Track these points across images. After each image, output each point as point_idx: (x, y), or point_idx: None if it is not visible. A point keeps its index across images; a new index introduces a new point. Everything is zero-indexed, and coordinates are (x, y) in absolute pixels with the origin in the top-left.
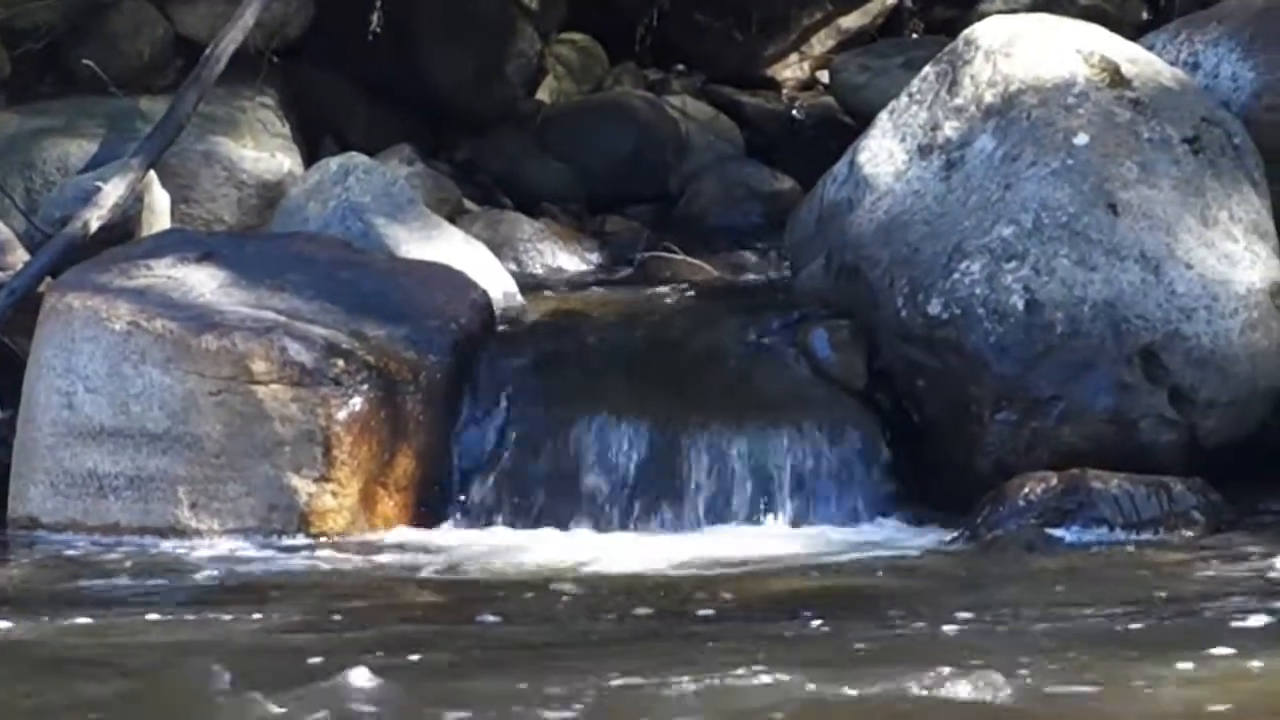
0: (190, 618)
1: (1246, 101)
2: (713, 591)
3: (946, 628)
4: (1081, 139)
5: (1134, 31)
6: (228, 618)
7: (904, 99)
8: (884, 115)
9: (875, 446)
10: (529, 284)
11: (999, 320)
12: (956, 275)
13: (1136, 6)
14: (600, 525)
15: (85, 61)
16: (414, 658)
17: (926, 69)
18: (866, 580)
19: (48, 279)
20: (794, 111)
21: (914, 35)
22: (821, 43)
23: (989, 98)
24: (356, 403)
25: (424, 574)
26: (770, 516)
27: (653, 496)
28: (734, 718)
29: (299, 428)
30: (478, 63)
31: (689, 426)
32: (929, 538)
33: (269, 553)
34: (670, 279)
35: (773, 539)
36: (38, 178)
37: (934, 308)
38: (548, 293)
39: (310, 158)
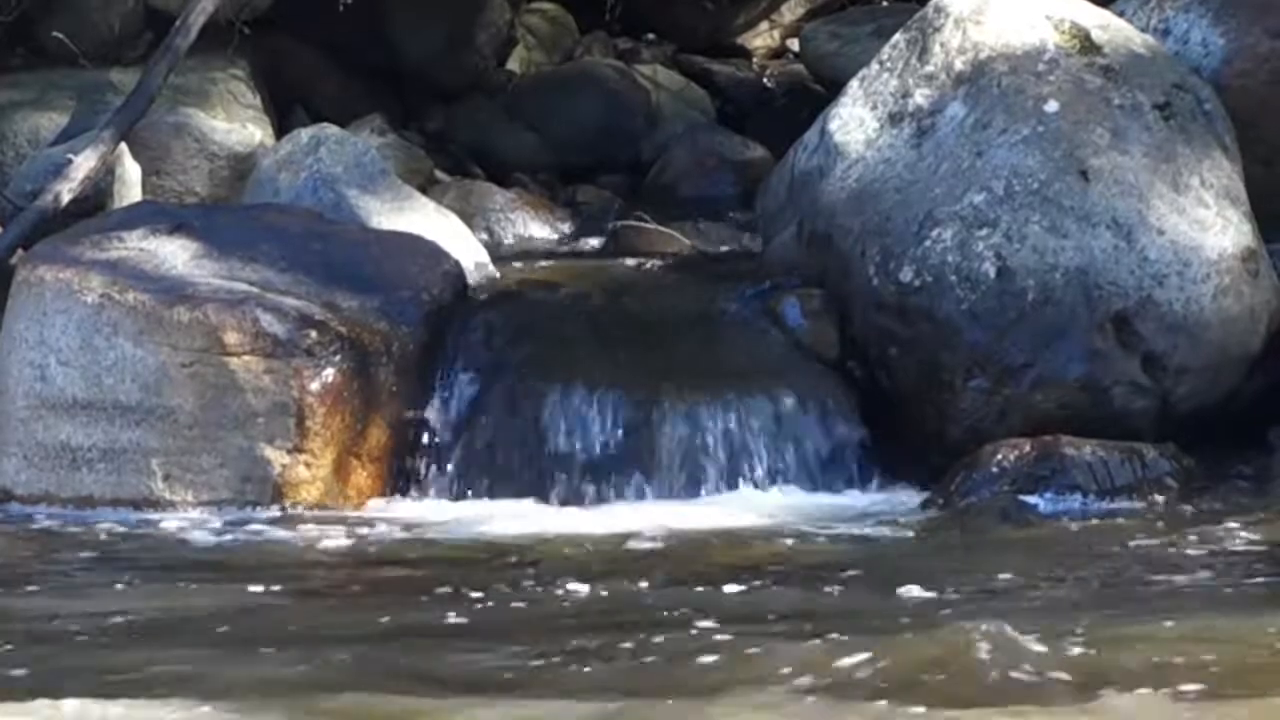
0: (163, 590)
1: (1217, 67)
2: (681, 561)
3: (917, 596)
4: (1052, 106)
5: None
6: (200, 589)
7: (875, 67)
8: (855, 83)
9: (848, 415)
10: (501, 254)
11: (971, 288)
12: (928, 243)
13: None
14: (573, 495)
15: (56, 34)
16: (387, 629)
17: (897, 36)
18: (838, 549)
19: (19, 251)
20: (765, 80)
21: (884, 3)
22: (792, 11)
23: (959, 65)
24: (329, 374)
25: (396, 545)
26: (743, 485)
27: (625, 466)
28: (697, 691)
29: (272, 399)
30: (448, 33)
31: (661, 396)
32: (902, 505)
33: (242, 524)
34: (642, 248)
35: (745, 508)
36: (9, 150)
37: (906, 275)
38: (520, 263)
39: (281, 129)
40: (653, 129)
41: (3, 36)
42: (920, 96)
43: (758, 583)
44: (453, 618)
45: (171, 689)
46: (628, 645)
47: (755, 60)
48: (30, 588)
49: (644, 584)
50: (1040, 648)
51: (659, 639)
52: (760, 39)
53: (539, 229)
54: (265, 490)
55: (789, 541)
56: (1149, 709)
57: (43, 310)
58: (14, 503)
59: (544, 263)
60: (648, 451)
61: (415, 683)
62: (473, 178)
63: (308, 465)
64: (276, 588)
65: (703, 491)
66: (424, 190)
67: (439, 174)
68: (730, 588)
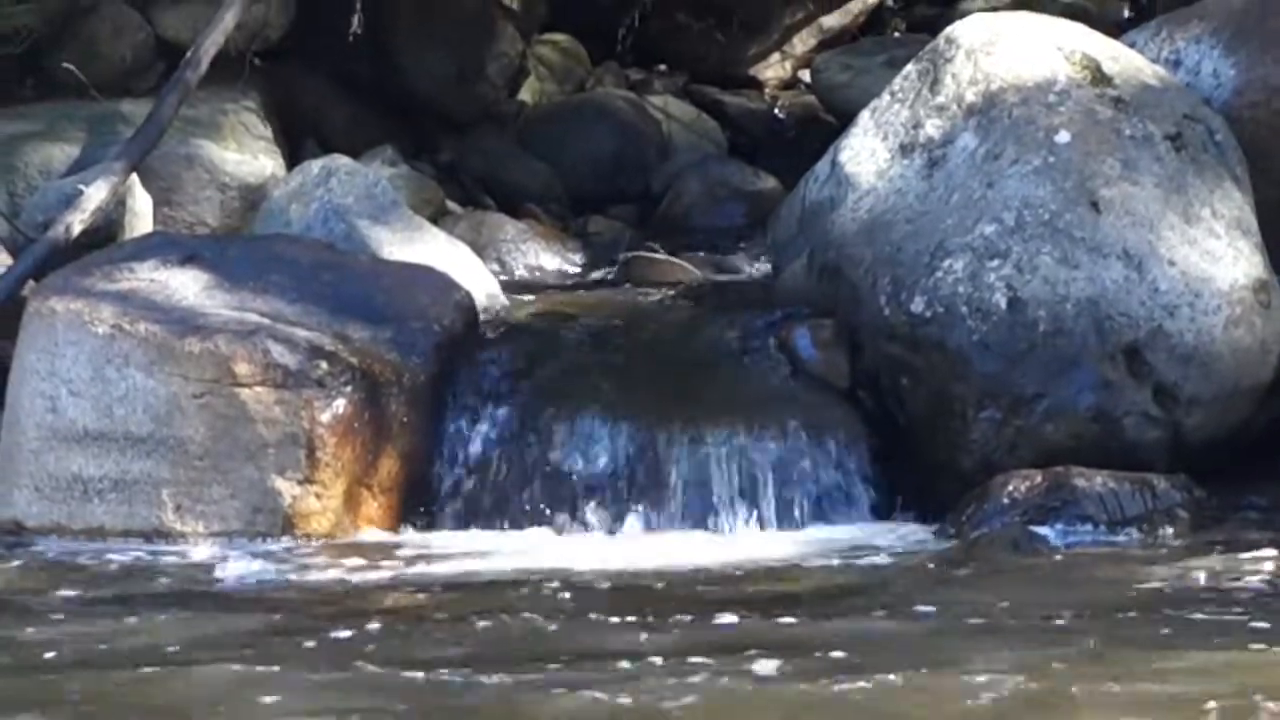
0: (173, 622)
1: (1228, 98)
2: (693, 592)
3: (929, 627)
4: (1063, 137)
5: (1115, 29)
6: (211, 620)
7: (886, 97)
8: (866, 114)
9: (859, 445)
10: (512, 285)
11: (982, 318)
12: (939, 274)
13: (1118, 4)
14: (583, 526)
15: (66, 65)
16: (398, 660)
17: (908, 67)
18: (849, 580)
19: (30, 283)
20: (776, 111)
21: (896, 34)
22: (803, 42)
23: (970, 96)
24: (340, 405)
25: (407, 576)
26: (753, 516)
27: (635, 497)
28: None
29: (282, 430)
30: (459, 63)
31: (672, 427)
32: (913, 537)
33: (253, 555)
34: (653, 279)
35: (756, 539)
36: (20, 182)
37: (917, 306)
38: (531, 293)
39: (292, 160)
40: (664, 160)
41: (13, 67)
42: (931, 127)
43: (766, 614)
44: (464, 649)
45: None
46: (639, 678)
47: (767, 91)
48: (42, 619)
49: (654, 616)
50: (1051, 679)
51: (669, 671)
52: (772, 70)
53: (550, 259)
54: (276, 521)
55: (799, 572)
56: None
57: (54, 341)
58: (25, 534)
59: (555, 293)
60: (658, 482)
61: (422, 716)
62: (484, 208)
63: (318, 496)
64: (286, 619)
65: (713, 523)
66: (435, 221)
67: (450, 204)
68: (739, 619)
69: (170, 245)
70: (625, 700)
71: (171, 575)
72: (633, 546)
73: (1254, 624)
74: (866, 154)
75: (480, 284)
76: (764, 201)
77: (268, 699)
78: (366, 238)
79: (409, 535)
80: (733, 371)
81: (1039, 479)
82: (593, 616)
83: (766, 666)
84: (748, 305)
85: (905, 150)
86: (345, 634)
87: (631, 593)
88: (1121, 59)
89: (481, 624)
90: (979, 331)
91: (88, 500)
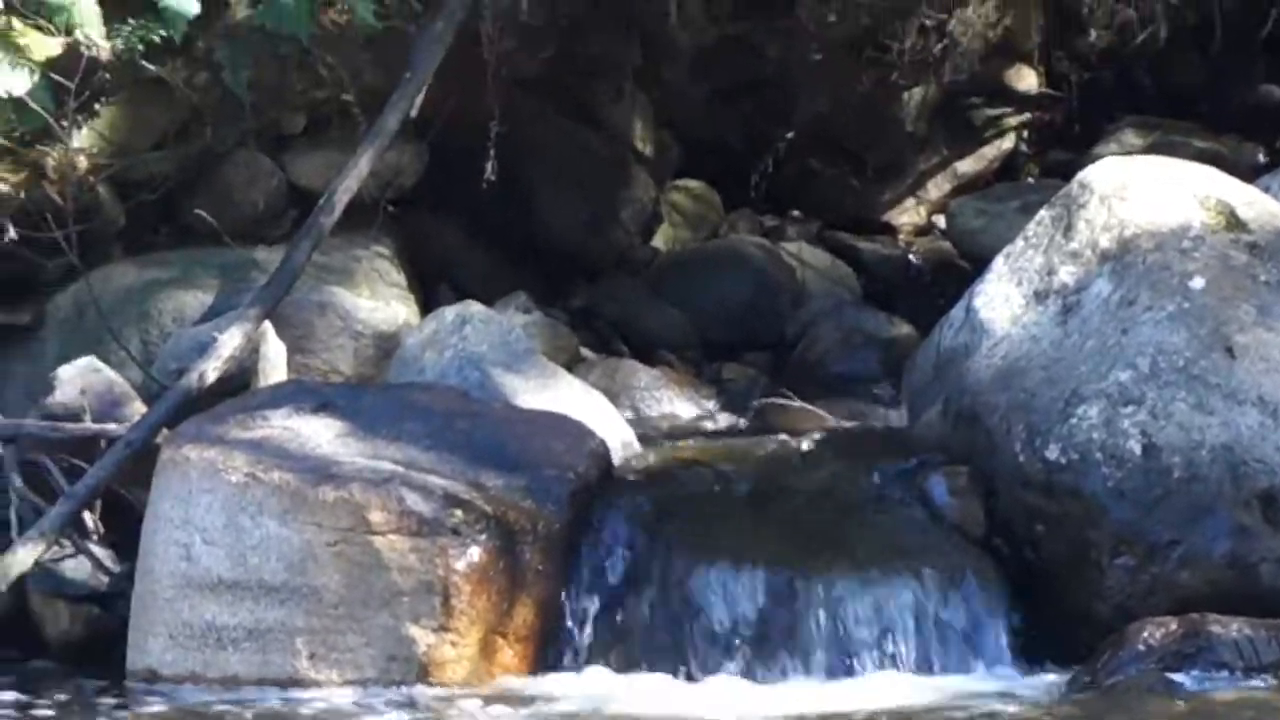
0: None
1: None
2: None
3: None
4: (1198, 282)
5: (1250, 173)
6: None
7: (1020, 243)
8: (1000, 260)
9: (995, 593)
10: (646, 432)
11: (1117, 465)
12: (1074, 420)
13: (1252, 149)
14: (720, 675)
15: (199, 212)
16: None
17: (1042, 213)
18: None
19: (164, 431)
20: (911, 257)
21: (1030, 179)
22: (938, 187)
23: (1105, 242)
24: (475, 552)
25: None
26: (889, 665)
27: (772, 646)
28: None
29: (417, 578)
30: (593, 210)
31: (808, 575)
32: (1050, 685)
33: (389, 704)
34: (787, 426)
35: (893, 688)
36: (153, 329)
37: (1052, 453)
38: (665, 441)
39: (426, 306)
40: (798, 306)
41: (148, 214)
42: (1065, 273)
43: None
44: None
45: None
46: None
47: (901, 237)
48: None
49: None
50: None
51: None
52: (906, 215)
53: (684, 406)
54: (411, 669)
55: None
56: None
57: (188, 489)
58: (161, 682)
59: (689, 441)
60: (793, 631)
61: None
62: (618, 355)
63: (454, 644)
64: None
65: (849, 671)
66: (569, 368)
67: (584, 351)
68: None
69: (304, 393)
70: None
71: None
72: (768, 694)
73: None
74: (1001, 300)
75: (614, 431)
76: (899, 348)
77: None
78: (501, 385)
79: (544, 683)
80: (868, 519)
81: (1174, 626)
82: None
83: None
84: (883, 453)
85: (1040, 296)
86: None
87: None
88: (1256, 204)
89: None
90: (1114, 478)
91: (222, 649)
